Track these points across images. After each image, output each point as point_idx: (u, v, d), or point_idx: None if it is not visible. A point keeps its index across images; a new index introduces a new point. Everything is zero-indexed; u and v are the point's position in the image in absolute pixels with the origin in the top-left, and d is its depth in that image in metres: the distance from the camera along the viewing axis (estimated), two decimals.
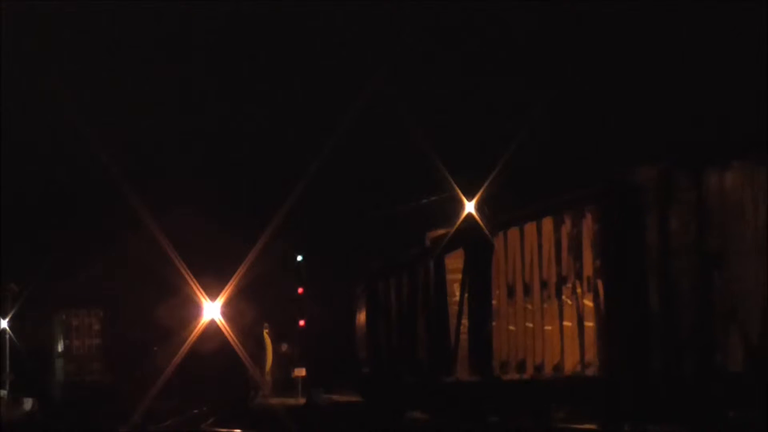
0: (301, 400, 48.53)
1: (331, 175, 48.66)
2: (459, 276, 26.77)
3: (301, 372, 53.17)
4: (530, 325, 22.51)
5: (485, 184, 30.40)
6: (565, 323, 21.10)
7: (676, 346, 18.27)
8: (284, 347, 61.45)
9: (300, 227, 47.84)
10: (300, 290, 50.92)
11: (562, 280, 21.27)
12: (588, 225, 20.31)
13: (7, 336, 65.10)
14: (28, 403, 56.00)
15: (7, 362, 64.50)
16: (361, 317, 35.92)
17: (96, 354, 47.55)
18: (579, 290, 20.58)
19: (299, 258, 50.17)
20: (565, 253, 21.17)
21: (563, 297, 21.24)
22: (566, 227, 21.04)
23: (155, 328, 43.98)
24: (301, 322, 52.10)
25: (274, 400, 47.24)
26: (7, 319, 65.26)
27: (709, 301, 17.98)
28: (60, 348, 49.83)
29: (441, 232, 29.15)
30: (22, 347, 62.47)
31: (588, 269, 20.28)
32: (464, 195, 31.30)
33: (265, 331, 53.60)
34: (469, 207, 28.72)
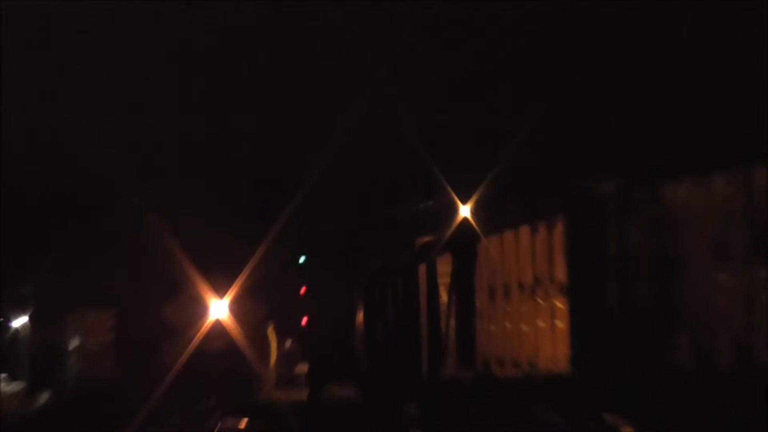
0: (304, 395, 48.18)
1: (333, 179, 48.24)
2: (448, 279, 27.13)
3: (303, 368, 53.73)
4: (509, 325, 23.03)
5: (479, 191, 30.24)
6: (540, 323, 21.64)
7: (634, 345, 18.50)
8: (288, 344, 61.79)
9: (303, 230, 47.50)
10: (302, 290, 50.82)
11: (537, 283, 21.67)
12: (559, 233, 20.78)
13: (23, 334, 65.85)
14: (43, 398, 56.67)
15: (23, 359, 65.22)
16: (360, 317, 36.42)
17: (108, 351, 47.75)
18: (551, 293, 21.03)
19: (302, 259, 50.47)
20: (539, 259, 21.61)
21: (537, 299, 21.69)
22: (540, 235, 21.58)
23: (164, 326, 44.01)
24: (304, 321, 52.05)
25: (278, 394, 47.64)
26: (23, 318, 66.03)
27: (664, 305, 18.17)
28: (73, 346, 50.06)
29: (428, 238, 29.48)
30: (37, 345, 63.05)
31: (560, 273, 20.75)
32: (460, 200, 31.70)
33: (270, 329, 53.98)
34: (464, 211, 28.79)
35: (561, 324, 20.70)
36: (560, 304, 20.73)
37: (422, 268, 29.11)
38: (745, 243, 17.14)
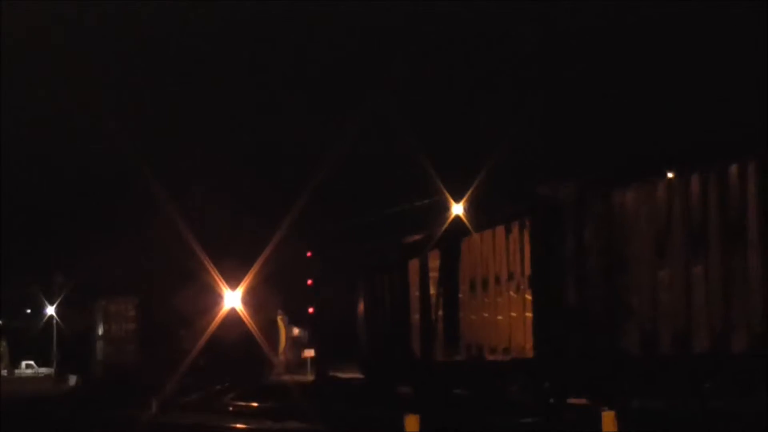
0: (310, 377, 49.40)
1: (337, 182, 48.37)
2: (437, 273, 28.17)
3: (310, 353, 53.89)
4: (486, 315, 24.65)
5: (470, 190, 31.13)
6: (512, 314, 23.21)
7: (588, 333, 20.10)
8: (296, 331, 61.53)
9: (310, 227, 47.20)
10: (309, 282, 51.12)
11: (510, 278, 23.30)
12: (527, 232, 22.53)
13: (54, 321, 67.12)
14: (72, 380, 57.76)
15: (54, 344, 66.52)
16: (361, 307, 36.48)
17: (131, 337, 47.80)
18: (522, 286, 22.62)
19: (309, 254, 51.09)
20: (511, 256, 23.23)
21: (510, 292, 23.25)
22: (513, 234, 23.26)
23: (182, 314, 44.10)
24: (311, 310, 52.60)
25: (287, 377, 47.15)
26: (54, 306, 67.35)
27: (614, 296, 19.63)
28: (100, 332, 50.30)
29: (417, 237, 30.63)
30: (66, 331, 64.15)
31: (528, 269, 22.48)
32: (447, 202, 31.75)
33: (279, 318, 54.15)
34: (451, 212, 30.14)
35: (529, 314, 22.43)
36: (529, 296, 22.55)
37: (414, 263, 30.14)
38: (682, 242, 18.58)
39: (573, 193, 20.81)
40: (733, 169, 17.56)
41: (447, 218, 30.21)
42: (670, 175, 18.97)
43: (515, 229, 23.19)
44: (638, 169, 20.01)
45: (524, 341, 22.59)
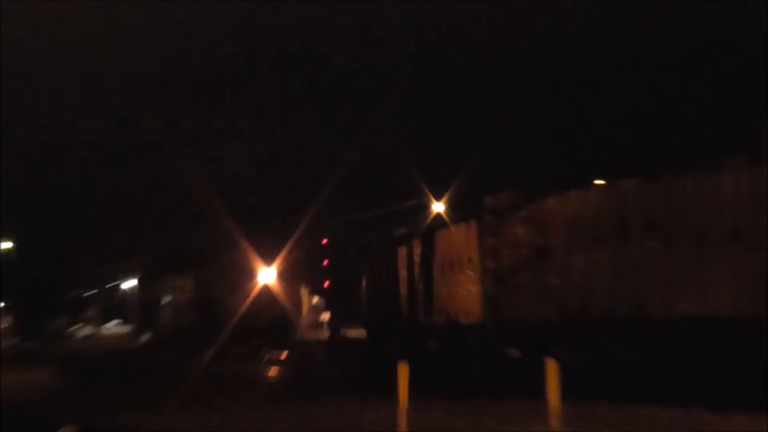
0: (326, 335, 49.32)
1: (344, 185, 46.78)
2: (419, 258, 28.38)
3: (326, 317, 53.80)
4: (452, 289, 25.11)
5: (447, 193, 32.23)
6: (469, 288, 23.62)
7: (508, 307, 21.04)
8: (315, 300, 61.41)
9: (326, 221, 46.90)
10: (325, 263, 51.40)
11: (468, 261, 23.71)
12: (476, 229, 23.10)
13: (133, 292, 67.72)
14: (144, 337, 58.42)
15: (133, 309, 67.03)
16: (364, 282, 36.42)
17: (189, 305, 47.88)
18: (475, 267, 23.11)
19: (325, 242, 51.68)
20: (469, 246, 23.69)
21: (468, 271, 23.64)
22: (470, 230, 23.68)
23: (228, 287, 43.77)
24: (326, 284, 52.68)
25: (308, 336, 47.13)
26: (133, 281, 67.99)
27: (538, 276, 20.22)
28: (166, 300, 51.18)
29: (404, 230, 30.88)
30: (142, 299, 64.71)
31: (477, 254, 23.00)
32: (428, 202, 32.79)
33: (302, 289, 53.69)
34: (430, 211, 31.05)
35: (480, 289, 22.82)
36: (477, 275, 23.02)
37: (402, 250, 30.30)
38: (587, 237, 19.14)
39: (506, 199, 21.54)
40: (618, 183, 18.54)
41: (428, 215, 30.74)
42: (581, 185, 19.95)
43: (471, 227, 23.75)
44: (560, 180, 21.16)
45: (476, 308, 23.18)
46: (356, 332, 44.25)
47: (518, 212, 21.10)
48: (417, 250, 29.01)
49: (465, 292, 24.26)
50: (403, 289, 30.34)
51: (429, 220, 29.83)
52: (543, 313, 20.26)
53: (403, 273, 30.46)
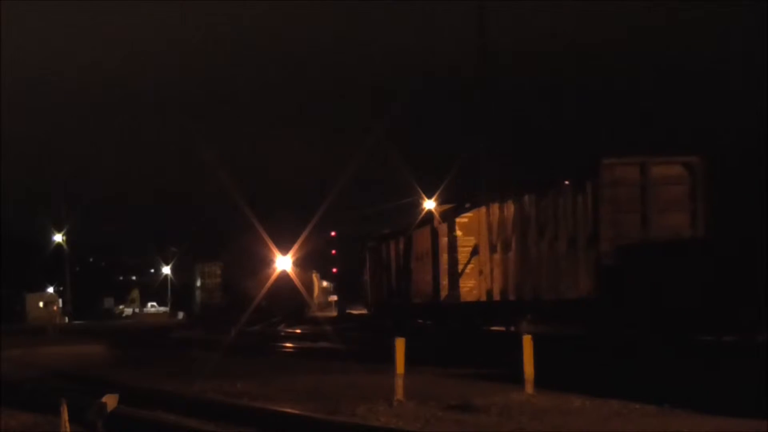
0: (334, 314, 50.48)
1: (349, 187, 48.79)
2: (402, 251, 30.10)
3: (334, 298, 54.98)
4: (421, 276, 27.05)
5: (438, 192, 31.88)
6: (426, 276, 26.33)
7: (449, 288, 23.74)
8: (325, 283, 63.08)
9: (334, 216, 47.56)
10: (333, 252, 52.19)
11: (426, 254, 26.48)
12: (430, 232, 26.12)
13: (169, 277, 68.33)
14: (180, 315, 59.13)
15: (169, 292, 67.59)
16: (366, 268, 37.60)
17: (218, 287, 48.09)
18: (430, 259, 26.12)
19: (333, 234, 51.71)
20: (427, 243, 26.57)
21: (426, 262, 26.49)
22: (426, 230, 26.64)
23: (251, 272, 43.52)
24: (335, 270, 53.39)
25: (318, 313, 47.91)
26: (168, 267, 68.56)
27: (471, 270, 23.21)
28: (198, 284, 51.28)
29: (389, 231, 32.23)
30: (177, 283, 65.27)
31: (430, 250, 26.01)
32: (409, 206, 33.70)
33: (314, 274, 54.68)
34: (429, 204, 31.12)
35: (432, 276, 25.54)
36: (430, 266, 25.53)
37: (392, 244, 31.70)
38: (496, 241, 21.66)
39: (441, 215, 25.27)
40: (506, 203, 21.24)
41: (417, 214, 31.00)
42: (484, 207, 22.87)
43: (427, 229, 26.58)
44: (469, 204, 24.42)
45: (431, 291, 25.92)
46: (359, 310, 45.10)
47: (457, 219, 23.99)
48: (401, 246, 30.47)
49: (429, 279, 26.11)
50: (393, 277, 31.58)
51: (420, 217, 29.95)
52: (476, 295, 22.80)
53: (392, 263, 31.67)
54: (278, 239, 42.49)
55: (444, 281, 23.96)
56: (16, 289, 57.65)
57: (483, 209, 22.06)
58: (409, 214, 32.88)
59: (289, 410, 10.27)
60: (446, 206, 26.06)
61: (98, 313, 64.80)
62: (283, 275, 43.15)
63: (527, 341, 11.92)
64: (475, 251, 22.67)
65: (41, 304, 58.28)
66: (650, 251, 15.60)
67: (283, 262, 43.74)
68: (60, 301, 60.74)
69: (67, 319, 57.43)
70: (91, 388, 12.30)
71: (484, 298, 21.78)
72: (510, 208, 20.60)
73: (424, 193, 32.47)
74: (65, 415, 8.68)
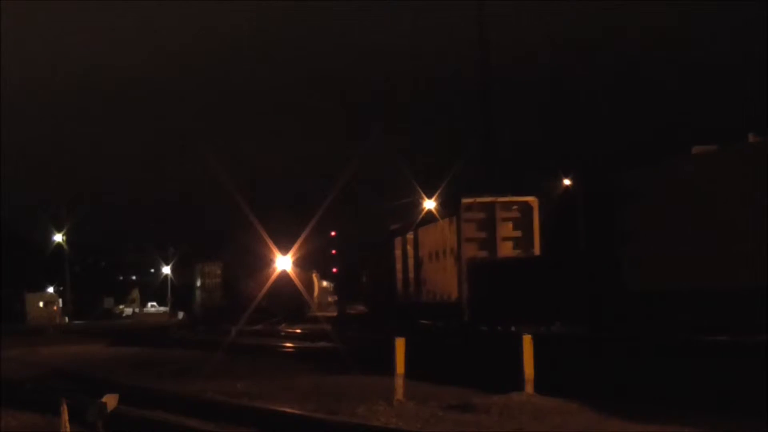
0: (334, 313, 49.72)
1: (349, 189, 48.44)
2: (410, 247, 29.72)
3: (334, 297, 54.87)
4: (434, 274, 26.93)
5: (438, 192, 32.60)
6: (386, 279, 28.74)
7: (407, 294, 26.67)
8: (324, 283, 62.80)
9: (334, 216, 47.91)
10: (333, 252, 52.29)
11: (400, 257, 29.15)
12: (413, 235, 28.20)
13: (169, 277, 68.07)
14: (180, 315, 58.72)
15: (169, 292, 67.36)
16: (366, 268, 37.65)
17: (218, 288, 47.75)
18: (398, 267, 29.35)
19: (333, 234, 51.67)
20: (397, 250, 29.55)
21: (398, 267, 29.84)
22: (399, 240, 28.98)
23: (251, 272, 43.41)
24: (335, 270, 53.43)
25: (318, 313, 47.43)
26: (168, 267, 68.30)
27: (418, 277, 25.92)
28: (198, 284, 50.69)
29: (397, 226, 31.95)
30: (177, 283, 64.93)
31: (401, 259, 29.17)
32: (416, 204, 33.55)
33: (314, 274, 54.25)
34: (429, 204, 31.70)
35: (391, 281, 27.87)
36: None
37: (399, 240, 31.34)
38: (441, 252, 24.98)
39: (406, 228, 29.41)
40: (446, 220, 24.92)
41: (419, 212, 31.18)
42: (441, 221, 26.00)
43: (399, 239, 29.45)
44: (425, 219, 28.10)
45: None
46: (359, 310, 45.02)
47: (407, 236, 29.41)
48: (409, 241, 30.04)
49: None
50: (399, 274, 31.07)
51: (420, 217, 30.04)
52: (423, 297, 27.41)
53: (399, 260, 31.12)
54: (278, 239, 42.59)
55: (398, 287, 29.77)
56: (16, 289, 57.52)
57: (422, 229, 27.82)
58: (410, 213, 33.05)
59: (289, 410, 10.31)
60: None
61: (98, 313, 64.71)
62: (283, 275, 43.06)
63: (527, 341, 11.92)
64: (417, 262, 28.38)
65: (41, 304, 58.29)
66: (491, 266, 22.42)
67: (283, 262, 43.68)
68: (60, 301, 60.83)
69: (67, 319, 57.49)
70: (91, 388, 12.27)
71: (426, 299, 27.21)
72: (438, 228, 26.10)
73: (425, 193, 32.74)
74: (65, 415, 8.74)
